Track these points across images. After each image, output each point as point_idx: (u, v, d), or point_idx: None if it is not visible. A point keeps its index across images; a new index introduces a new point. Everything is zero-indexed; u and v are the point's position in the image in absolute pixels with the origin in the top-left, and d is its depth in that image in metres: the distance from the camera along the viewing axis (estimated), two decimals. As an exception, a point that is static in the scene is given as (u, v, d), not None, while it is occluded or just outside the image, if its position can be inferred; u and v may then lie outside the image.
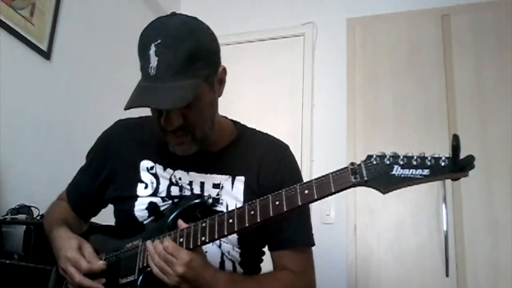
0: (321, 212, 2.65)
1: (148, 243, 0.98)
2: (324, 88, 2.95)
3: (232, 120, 1.22)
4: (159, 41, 0.94)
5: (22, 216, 1.71)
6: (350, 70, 2.91)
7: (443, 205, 2.46)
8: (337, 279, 2.56)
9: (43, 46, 2.15)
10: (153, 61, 0.93)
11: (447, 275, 2.40)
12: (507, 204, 2.42)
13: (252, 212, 0.92)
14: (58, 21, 2.25)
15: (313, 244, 1.16)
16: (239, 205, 1.07)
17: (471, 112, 2.61)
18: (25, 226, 1.61)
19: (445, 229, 2.44)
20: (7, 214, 1.72)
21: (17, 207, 1.76)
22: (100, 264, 1.02)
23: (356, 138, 2.77)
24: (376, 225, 2.60)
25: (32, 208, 1.77)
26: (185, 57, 0.94)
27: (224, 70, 1.08)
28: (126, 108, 0.94)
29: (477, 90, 2.64)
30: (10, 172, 1.89)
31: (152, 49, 0.94)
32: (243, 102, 2.85)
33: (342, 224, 2.64)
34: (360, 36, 2.95)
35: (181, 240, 0.96)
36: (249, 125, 1.24)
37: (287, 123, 2.94)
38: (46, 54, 2.16)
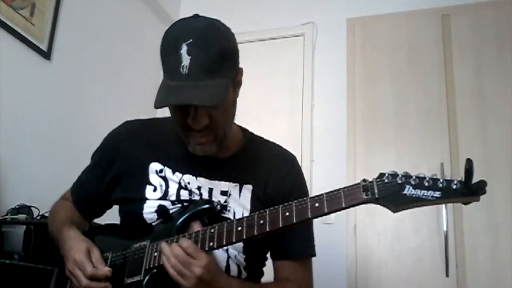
0: (321, 212, 2.64)
1: (164, 244, 0.97)
2: (324, 88, 2.95)
3: (239, 126, 1.22)
4: (190, 41, 0.94)
5: (22, 216, 1.71)
6: (350, 70, 2.91)
7: (443, 205, 2.46)
8: (337, 279, 2.55)
9: (43, 46, 2.15)
10: (185, 60, 0.93)
11: (447, 275, 2.40)
12: (507, 204, 2.42)
13: (261, 222, 0.92)
14: (58, 21, 2.24)
15: (315, 255, 1.17)
16: (246, 213, 1.08)
17: (471, 112, 2.61)
18: (25, 226, 1.60)
19: (445, 229, 2.44)
20: (7, 214, 1.72)
21: (17, 207, 1.76)
22: (105, 270, 1.02)
23: (356, 138, 2.77)
24: (376, 225, 2.59)
25: (32, 208, 1.77)
26: (217, 57, 0.95)
27: (242, 72, 1.10)
28: (158, 107, 0.93)
29: (477, 90, 2.64)
30: (10, 172, 1.89)
31: (184, 48, 0.94)
32: (243, 102, 2.83)
33: (342, 224, 2.64)
34: (360, 36, 2.95)
35: None
36: (249, 125, 1.25)
37: (287, 123, 2.94)
38: (46, 54, 2.16)
